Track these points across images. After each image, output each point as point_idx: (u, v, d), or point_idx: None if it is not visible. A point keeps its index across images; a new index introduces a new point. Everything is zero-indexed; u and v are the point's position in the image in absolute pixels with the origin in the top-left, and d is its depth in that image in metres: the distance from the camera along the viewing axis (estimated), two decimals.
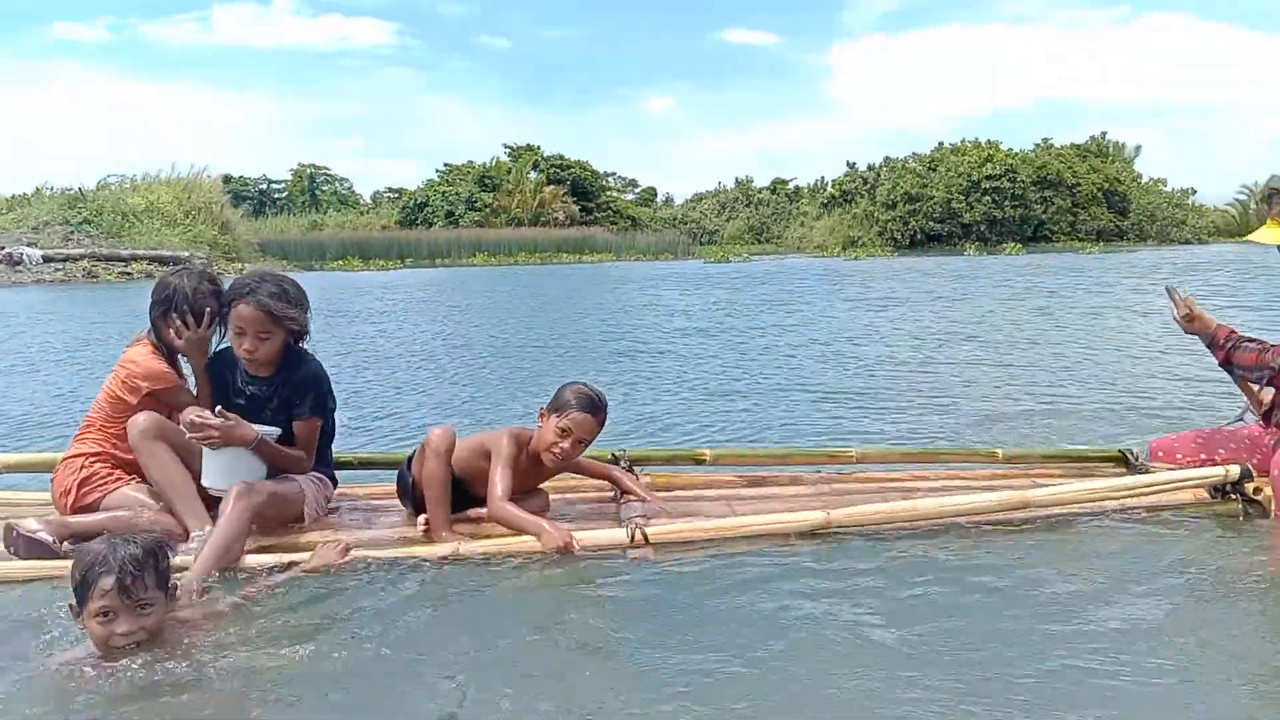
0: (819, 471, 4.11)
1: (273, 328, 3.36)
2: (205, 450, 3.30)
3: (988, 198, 45.43)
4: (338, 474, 3.80)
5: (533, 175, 56.05)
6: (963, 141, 49.70)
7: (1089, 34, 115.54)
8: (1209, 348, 3.63)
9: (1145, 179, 50.82)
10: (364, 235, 47.19)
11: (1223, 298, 14.65)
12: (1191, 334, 3.65)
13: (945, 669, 2.34)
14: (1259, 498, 3.35)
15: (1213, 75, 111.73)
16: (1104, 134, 52.16)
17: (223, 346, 3.55)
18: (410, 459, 3.54)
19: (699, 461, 4.15)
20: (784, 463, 4.22)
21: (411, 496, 3.53)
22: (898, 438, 5.18)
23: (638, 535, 3.12)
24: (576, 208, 54.77)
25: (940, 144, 50.61)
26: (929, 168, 48.60)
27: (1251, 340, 3.48)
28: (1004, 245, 42.84)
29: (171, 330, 3.48)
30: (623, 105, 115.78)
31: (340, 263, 38.67)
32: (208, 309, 3.47)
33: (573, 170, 56.55)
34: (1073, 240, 44.81)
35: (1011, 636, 2.52)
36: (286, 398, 3.48)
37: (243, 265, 27.50)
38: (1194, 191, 52.70)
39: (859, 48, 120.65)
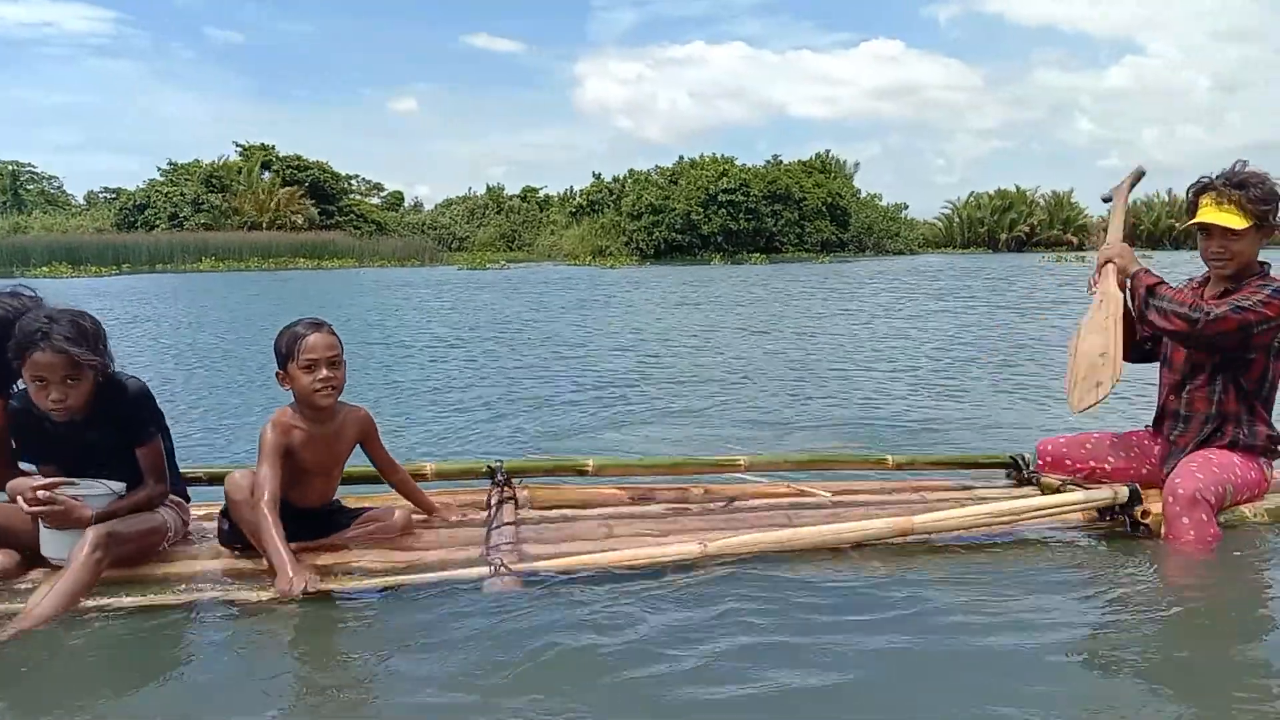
0: (703, 483, 4.04)
1: (78, 370, 2.93)
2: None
3: (724, 210, 47.78)
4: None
5: (266, 176, 52.95)
6: (701, 156, 52.08)
7: (817, 56, 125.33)
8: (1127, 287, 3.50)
9: (863, 194, 55.49)
10: (75, 239, 42.93)
11: (938, 300, 16.26)
12: (1108, 259, 3.53)
13: (831, 699, 2.29)
14: (1147, 520, 3.30)
15: (920, 97, 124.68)
16: (828, 151, 56.59)
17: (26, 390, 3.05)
18: (224, 510, 3.20)
19: (581, 472, 4.02)
20: (671, 472, 4.10)
21: (239, 542, 3.16)
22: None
23: (501, 569, 2.95)
24: (316, 211, 52.31)
25: (681, 158, 52.83)
26: (670, 180, 50.47)
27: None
28: (747, 255, 45.39)
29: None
30: (366, 106, 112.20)
31: (46, 269, 35.33)
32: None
33: (311, 171, 53.95)
34: (800, 251, 48.08)
35: (895, 665, 2.48)
36: (117, 430, 3.06)
37: None
38: (906, 206, 58.42)
39: (605, 60, 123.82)
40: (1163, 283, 3.39)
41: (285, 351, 3.09)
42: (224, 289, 25.19)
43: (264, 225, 48.91)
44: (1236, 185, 3.29)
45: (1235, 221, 3.29)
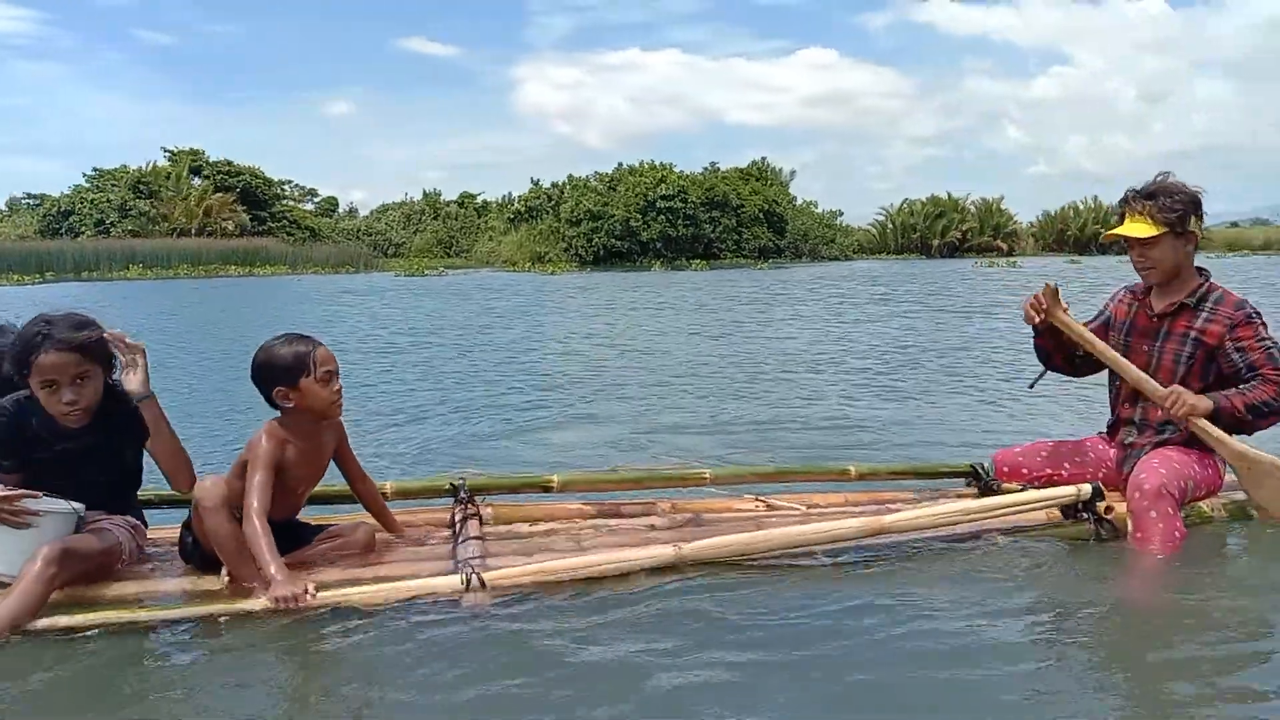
0: (670, 498, 4.06)
1: (89, 364, 2.89)
2: None
3: (662, 217, 47.94)
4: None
5: (196, 181, 51.83)
6: (640, 162, 52.21)
7: (752, 64, 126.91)
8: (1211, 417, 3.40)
9: (799, 201, 56.16)
10: None
11: (883, 304, 16.57)
12: (1188, 415, 3.40)
13: (806, 706, 2.32)
14: (1110, 517, 3.37)
15: (854, 105, 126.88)
16: (764, 158, 57.01)
17: (15, 396, 2.97)
18: (187, 522, 3.09)
19: (546, 489, 4.00)
20: (637, 487, 4.12)
21: (201, 559, 3.07)
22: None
23: (474, 581, 2.90)
24: (248, 217, 51.28)
25: (620, 164, 52.90)
26: (609, 186, 50.51)
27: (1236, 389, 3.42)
28: (687, 262, 45.66)
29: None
30: (299, 108, 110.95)
31: None
32: None
33: (243, 177, 52.86)
34: (739, 257, 48.44)
35: (868, 669, 2.51)
36: (118, 434, 3.02)
37: None
38: (841, 213, 59.25)
39: (542, 65, 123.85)
40: (1239, 393, 3.39)
41: (295, 367, 2.99)
42: (157, 297, 24.57)
43: (193, 232, 47.83)
44: (1147, 196, 3.48)
45: (1145, 230, 3.47)
